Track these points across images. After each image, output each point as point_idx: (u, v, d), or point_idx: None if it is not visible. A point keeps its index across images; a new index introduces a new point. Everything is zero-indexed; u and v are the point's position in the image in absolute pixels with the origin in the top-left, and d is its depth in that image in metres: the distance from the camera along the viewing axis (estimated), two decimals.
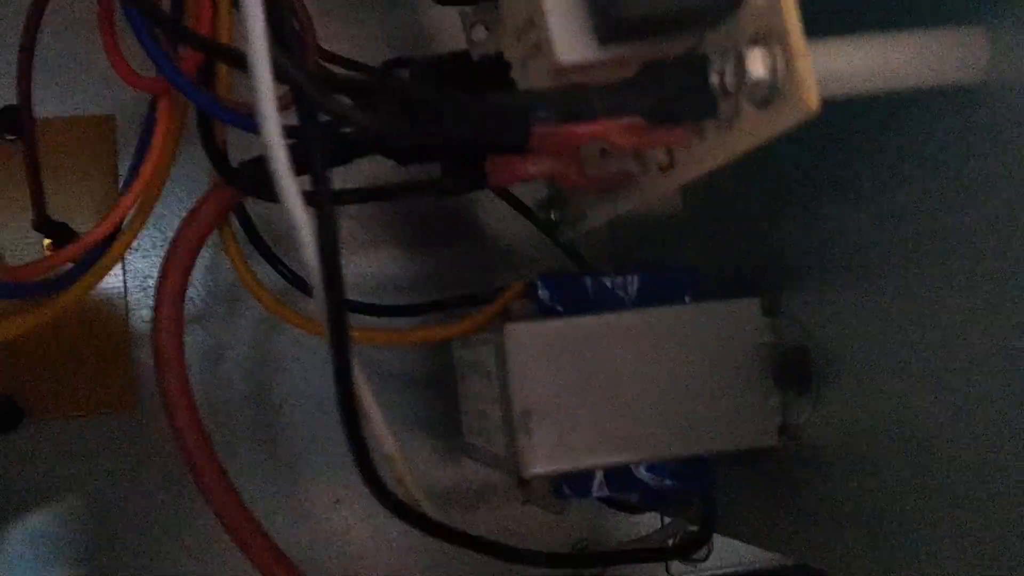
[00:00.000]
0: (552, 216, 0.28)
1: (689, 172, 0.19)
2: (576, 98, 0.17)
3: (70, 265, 0.23)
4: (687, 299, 0.25)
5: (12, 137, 0.31)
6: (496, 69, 0.22)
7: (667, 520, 0.31)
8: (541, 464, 0.23)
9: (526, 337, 0.23)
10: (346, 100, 0.20)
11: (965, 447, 0.19)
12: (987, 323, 0.18)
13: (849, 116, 0.20)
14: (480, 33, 0.24)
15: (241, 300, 0.32)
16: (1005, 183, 0.17)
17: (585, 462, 0.23)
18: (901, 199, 0.20)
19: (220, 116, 0.23)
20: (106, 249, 0.23)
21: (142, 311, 0.32)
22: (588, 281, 0.25)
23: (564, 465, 0.23)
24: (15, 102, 0.26)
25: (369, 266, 0.34)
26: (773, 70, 0.15)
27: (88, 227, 0.24)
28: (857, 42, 0.16)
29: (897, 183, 0.20)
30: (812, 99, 0.15)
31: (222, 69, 0.24)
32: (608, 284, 0.25)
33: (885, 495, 0.21)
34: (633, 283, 0.25)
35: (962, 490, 0.19)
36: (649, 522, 0.32)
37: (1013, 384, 0.17)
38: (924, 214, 0.19)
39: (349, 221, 0.34)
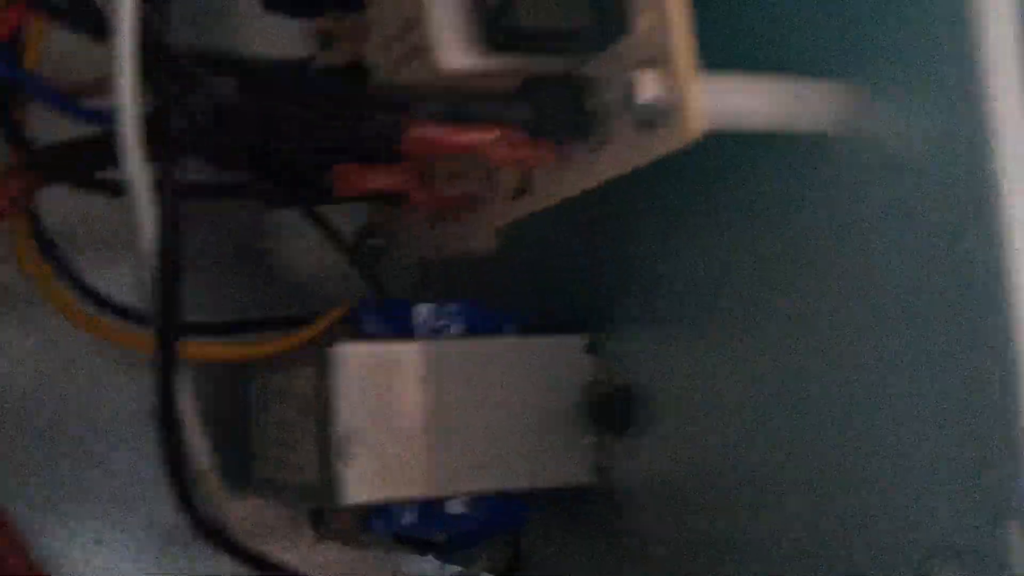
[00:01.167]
0: (371, 244, 0.28)
1: (547, 197, 0.19)
2: (457, 101, 0.16)
3: None
4: (510, 331, 0.25)
5: None
6: (344, 81, 0.21)
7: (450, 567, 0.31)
8: (357, 493, 0.22)
9: (352, 359, 0.22)
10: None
11: (781, 487, 0.20)
12: (797, 367, 0.19)
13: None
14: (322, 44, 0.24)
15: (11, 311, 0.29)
16: (830, 232, 0.18)
17: (402, 493, 0.22)
18: (725, 244, 0.21)
19: (34, 90, 0.21)
20: None
21: None
22: (411, 310, 0.24)
23: (380, 495, 0.22)
24: None
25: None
26: (660, 94, 0.16)
27: None
28: (743, 80, 0.17)
29: (722, 228, 0.21)
30: (697, 124, 0.15)
31: (32, 39, 0.22)
32: (431, 314, 0.25)
33: (698, 534, 0.22)
34: (456, 314, 0.25)
35: (770, 527, 0.20)
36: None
37: (828, 425, 0.18)
38: (747, 259, 0.20)
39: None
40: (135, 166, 0.15)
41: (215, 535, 0.19)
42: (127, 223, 0.30)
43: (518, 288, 0.28)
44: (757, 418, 0.20)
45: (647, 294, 0.23)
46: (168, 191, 0.15)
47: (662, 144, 0.16)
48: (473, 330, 0.25)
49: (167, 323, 0.16)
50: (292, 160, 0.22)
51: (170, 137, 0.22)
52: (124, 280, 0.28)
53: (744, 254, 0.20)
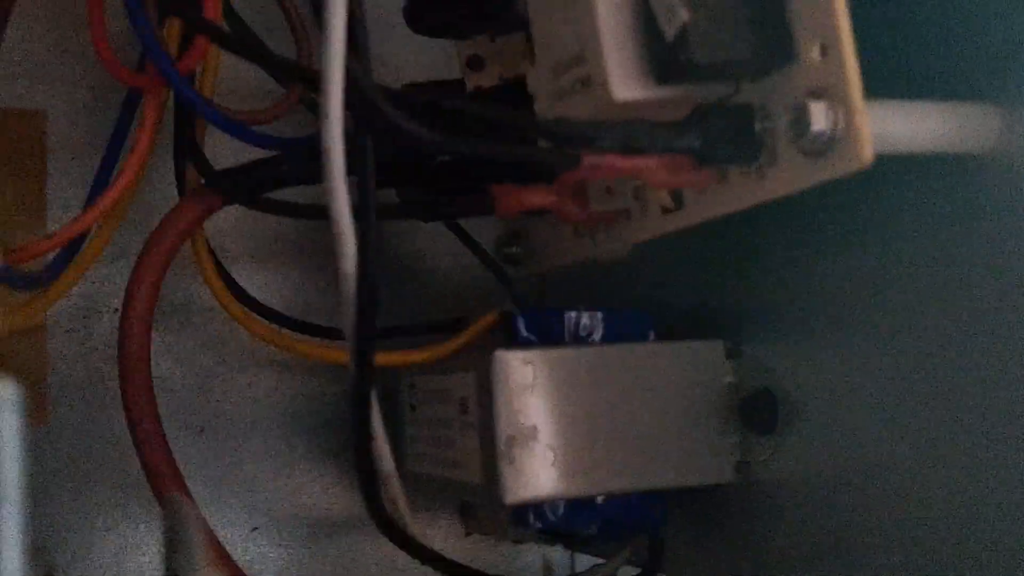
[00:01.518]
0: (514, 251, 0.29)
1: (701, 215, 0.20)
2: (633, 131, 0.17)
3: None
4: (651, 337, 0.26)
5: None
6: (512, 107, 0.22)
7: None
8: (518, 492, 0.23)
9: (513, 365, 0.23)
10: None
11: (925, 489, 0.20)
12: (951, 373, 0.19)
13: None
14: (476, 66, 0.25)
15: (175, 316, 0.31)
16: (979, 248, 0.19)
17: (557, 491, 0.24)
18: (869, 252, 0.21)
19: (210, 117, 0.22)
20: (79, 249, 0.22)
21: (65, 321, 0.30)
22: (561, 316, 0.25)
23: (538, 493, 0.23)
24: None
25: (289, 284, 0.33)
26: (833, 123, 0.16)
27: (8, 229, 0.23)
28: (903, 106, 0.17)
29: (873, 238, 0.21)
30: (867, 153, 0.16)
31: (208, 74, 0.24)
32: (576, 320, 0.26)
33: (840, 533, 0.22)
34: (598, 320, 0.26)
35: (913, 527, 0.20)
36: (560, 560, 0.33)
37: (973, 430, 0.19)
38: (897, 268, 0.21)
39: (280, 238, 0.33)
40: (339, 192, 0.17)
41: (399, 535, 0.20)
42: (274, 235, 0.32)
43: (649, 293, 0.29)
44: (901, 420, 0.21)
45: (788, 299, 0.24)
46: (371, 217, 0.17)
47: (831, 171, 0.17)
48: (619, 336, 0.26)
49: (364, 340, 0.18)
50: (454, 180, 0.23)
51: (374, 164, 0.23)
52: (259, 282, 0.31)
53: (889, 263, 0.21)
